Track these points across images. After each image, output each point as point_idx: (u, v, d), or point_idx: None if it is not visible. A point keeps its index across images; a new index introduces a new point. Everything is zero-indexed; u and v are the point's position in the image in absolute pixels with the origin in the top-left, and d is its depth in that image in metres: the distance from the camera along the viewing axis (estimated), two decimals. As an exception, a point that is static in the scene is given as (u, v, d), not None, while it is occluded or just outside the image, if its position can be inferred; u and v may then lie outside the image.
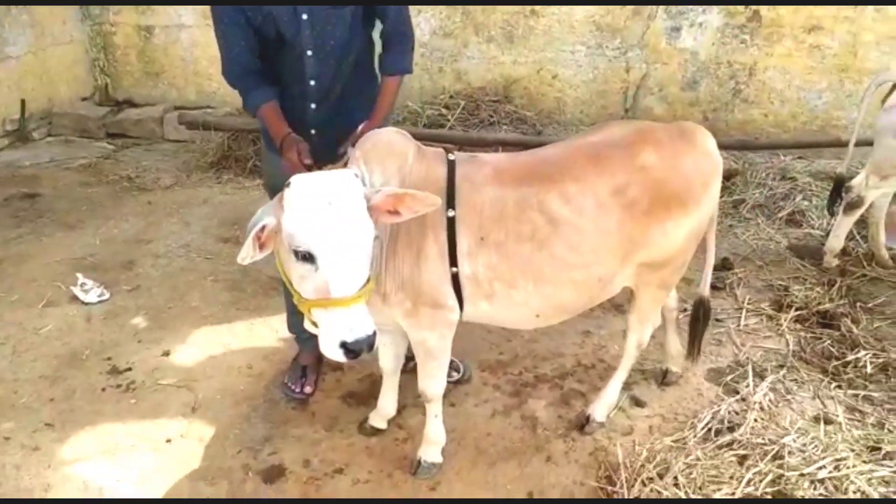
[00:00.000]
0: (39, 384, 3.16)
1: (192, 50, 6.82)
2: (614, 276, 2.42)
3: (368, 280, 1.96)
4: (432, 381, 2.53)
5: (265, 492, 2.58)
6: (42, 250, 4.36)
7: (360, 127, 2.46)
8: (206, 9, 6.58)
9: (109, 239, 4.50)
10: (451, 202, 2.22)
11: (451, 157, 2.31)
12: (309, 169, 2.23)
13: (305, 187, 1.91)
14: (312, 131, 2.63)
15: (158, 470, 2.68)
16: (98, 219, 4.78)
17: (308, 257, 1.88)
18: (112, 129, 6.55)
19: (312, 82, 2.55)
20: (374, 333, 1.91)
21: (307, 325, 2.06)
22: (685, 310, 3.31)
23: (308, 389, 3.03)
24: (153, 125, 6.48)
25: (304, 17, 2.41)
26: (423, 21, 5.97)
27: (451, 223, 2.22)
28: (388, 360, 2.74)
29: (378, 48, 2.69)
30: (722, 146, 5.24)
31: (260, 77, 2.52)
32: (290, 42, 2.46)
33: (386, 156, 2.22)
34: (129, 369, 3.25)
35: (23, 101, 6.25)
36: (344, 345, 1.88)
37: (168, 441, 2.83)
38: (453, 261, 2.25)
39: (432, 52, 6.10)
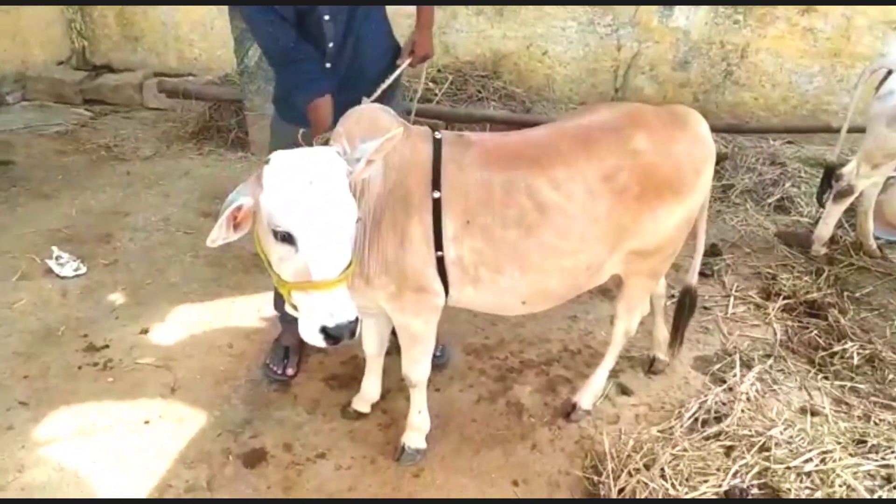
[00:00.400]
0: (13, 361, 3.06)
1: (172, 14, 6.59)
2: (603, 263, 2.37)
3: (350, 263, 1.89)
4: (416, 366, 2.48)
5: (246, 476, 2.53)
6: (16, 221, 4.23)
7: (411, 38, 2.62)
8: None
9: (86, 210, 4.37)
10: (436, 183, 2.15)
11: (438, 135, 2.23)
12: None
13: (286, 165, 1.82)
14: (328, 64, 2.55)
15: (136, 452, 2.62)
16: (74, 189, 4.64)
17: (288, 238, 1.80)
18: (89, 95, 6.35)
19: (331, 44, 2.48)
20: (357, 320, 1.84)
21: (288, 308, 2.00)
22: (673, 296, 3.28)
23: (290, 371, 2.97)
24: (132, 92, 6.29)
25: None
26: (411, -9, 5.81)
27: (436, 205, 2.15)
28: (372, 344, 2.69)
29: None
30: (712, 129, 5.23)
31: (317, 62, 2.46)
32: (308, 12, 2.40)
33: (369, 132, 2.12)
34: (107, 346, 3.16)
35: (-5, 63, 6.03)
36: (324, 330, 1.81)
37: (146, 422, 2.77)
38: (439, 245, 2.19)
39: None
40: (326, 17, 2.43)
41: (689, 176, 2.35)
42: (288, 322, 3.00)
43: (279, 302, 2.99)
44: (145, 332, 3.26)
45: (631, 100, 5.72)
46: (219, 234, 1.82)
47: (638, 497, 2.34)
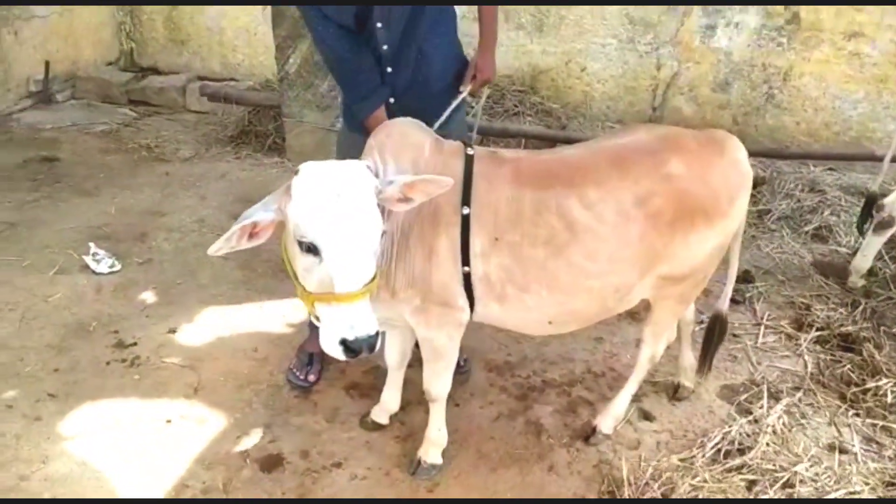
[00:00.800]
0: (45, 353, 3.14)
1: (218, 20, 6.74)
2: (632, 287, 2.33)
3: (375, 277, 1.90)
4: (437, 380, 2.48)
5: (262, 480, 2.56)
6: (57, 216, 4.35)
7: (474, 61, 2.66)
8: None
9: (125, 209, 4.47)
10: (466, 199, 2.15)
11: (470, 151, 2.23)
12: None
13: (315, 176, 1.85)
14: (391, 99, 2.60)
15: (156, 450, 2.66)
16: (115, 187, 4.76)
17: (313, 249, 1.82)
18: (135, 96, 6.50)
19: (385, 47, 2.52)
20: (377, 334, 1.85)
21: (312, 319, 2.02)
22: (702, 322, 3.22)
23: (312, 378, 2.99)
24: (176, 94, 6.42)
25: None
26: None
27: (465, 221, 2.15)
28: (395, 356, 2.69)
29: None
30: (751, 153, 5.13)
31: (371, 69, 2.53)
32: (362, 18, 2.45)
33: (400, 147, 2.15)
34: (135, 344, 3.23)
35: (47, 63, 6.22)
36: (344, 342, 1.82)
37: (168, 421, 2.81)
38: (466, 260, 2.19)
39: (460, 36, 5.96)
40: (379, 25, 2.46)
41: (724, 203, 2.31)
42: (315, 329, 3.02)
43: None
44: (173, 331, 3.32)
45: (668, 120, 5.66)
46: (224, 245, 1.84)
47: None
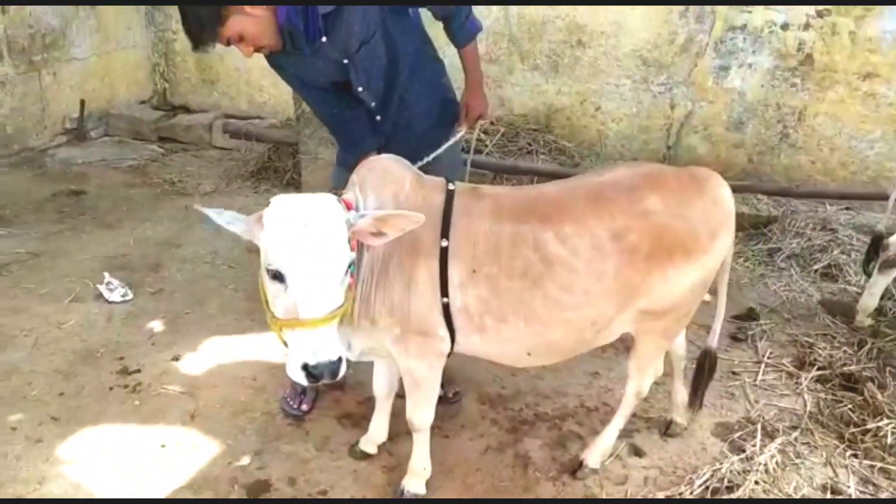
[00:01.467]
0: (52, 378, 3.25)
1: (246, 60, 6.93)
2: (610, 320, 2.35)
3: (343, 305, 1.96)
4: (419, 410, 2.50)
5: (247, 506, 2.60)
6: (79, 247, 4.52)
7: (463, 101, 2.76)
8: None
9: (142, 240, 4.63)
10: (445, 232, 2.21)
11: (451, 187, 2.30)
12: None
13: (284, 208, 1.94)
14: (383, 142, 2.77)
15: (148, 474, 2.72)
16: (135, 220, 4.93)
17: (279, 276, 1.90)
18: (164, 133, 6.76)
19: (373, 104, 2.70)
20: (340, 360, 1.91)
21: (280, 345, 2.08)
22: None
23: (304, 407, 3.04)
24: (202, 132, 6.66)
25: (346, 61, 2.54)
26: (469, 46, 5.98)
27: (444, 253, 2.21)
28: (381, 387, 2.73)
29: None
30: (764, 192, 5.12)
31: (358, 122, 2.73)
32: (342, 86, 2.64)
33: (381, 182, 2.23)
34: (138, 371, 3.32)
35: (82, 101, 6.52)
36: (305, 367, 1.88)
37: (163, 446, 2.87)
38: (445, 291, 2.23)
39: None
40: (360, 89, 2.63)
41: (705, 238, 2.32)
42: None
43: None
44: (176, 359, 3.41)
45: (683, 158, 5.68)
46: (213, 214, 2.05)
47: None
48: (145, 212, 5.08)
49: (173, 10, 7.03)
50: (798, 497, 2.57)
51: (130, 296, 3.92)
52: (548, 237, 2.21)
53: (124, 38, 7.02)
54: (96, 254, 4.42)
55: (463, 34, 2.74)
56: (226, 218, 2.02)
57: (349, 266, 1.98)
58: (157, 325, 3.70)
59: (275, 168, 5.72)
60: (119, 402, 3.12)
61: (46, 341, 3.52)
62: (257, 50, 2.45)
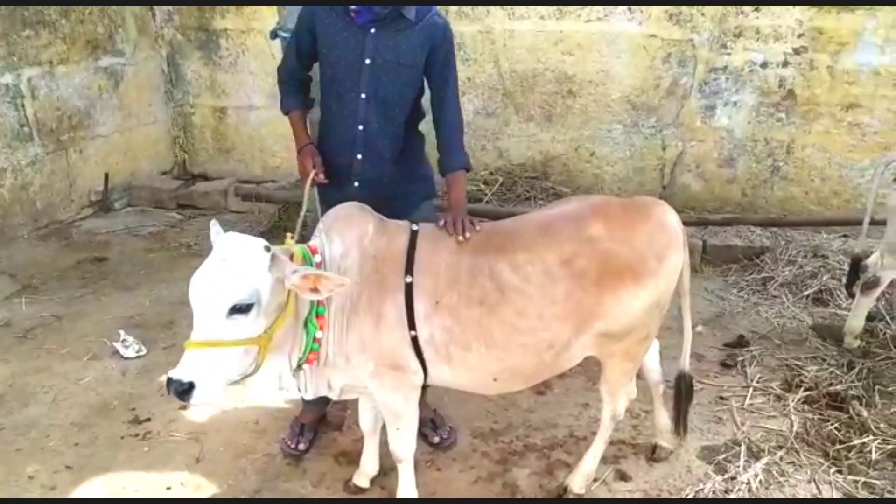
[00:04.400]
0: (69, 430, 3.44)
1: (259, 129, 7.38)
2: (568, 343, 2.47)
3: (238, 342, 2.11)
4: (400, 442, 2.63)
5: (245, 541, 2.72)
6: (99, 308, 4.77)
7: (441, 222, 2.57)
8: (274, 90, 7.21)
9: (158, 300, 4.87)
10: (409, 269, 2.38)
11: (415, 227, 2.48)
12: (320, 183, 2.71)
13: (221, 241, 2.18)
14: (356, 183, 2.82)
15: (153, 515, 2.87)
16: (152, 281, 5.19)
17: None
18: (183, 201, 7.08)
19: (360, 127, 2.74)
20: (190, 386, 2.06)
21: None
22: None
23: (302, 447, 3.17)
24: (218, 197, 6.98)
25: (367, 62, 2.65)
26: (466, 102, 6.25)
27: (409, 289, 2.37)
28: (367, 421, 2.87)
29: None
30: (757, 224, 5.20)
31: (299, 86, 2.92)
32: (349, 82, 2.70)
33: (345, 228, 2.43)
34: (149, 419, 3.49)
35: (106, 175, 6.90)
36: (168, 378, 2.11)
37: (168, 488, 3.03)
38: (413, 325, 2.39)
39: (475, 130, 6.37)
40: (363, 96, 2.71)
41: (652, 262, 2.46)
42: (308, 403, 3.24)
43: None
44: (184, 408, 3.57)
45: (679, 196, 5.82)
46: None
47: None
48: (162, 273, 5.34)
49: (191, 87, 7.51)
50: (778, 512, 2.61)
51: (144, 351, 4.13)
52: (502, 267, 2.38)
53: (145, 114, 7.45)
54: (115, 314, 4.65)
55: (463, 157, 2.84)
56: (216, 229, 2.29)
57: (251, 307, 2.08)
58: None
59: (284, 226, 5.95)
60: (129, 450, 3.29)
61: (64, 396, 3.73)
62: None
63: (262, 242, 2.21)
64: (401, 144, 2.87)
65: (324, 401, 2.84)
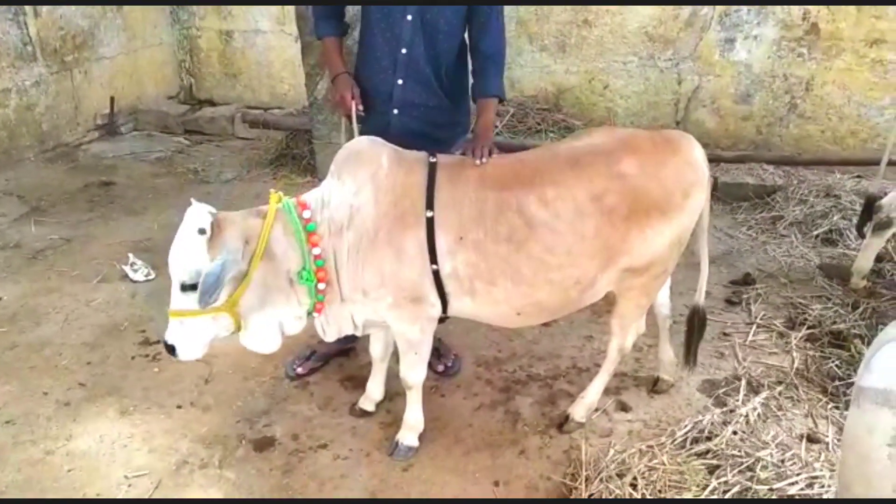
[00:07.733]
0: (81, 349, 3.51)
1: (266, 54, 7.24)
2: (594, 279, 2.47)
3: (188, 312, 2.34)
4: (412, 370, 2.67)
5: (253, 459, 2.80)
6: (107, 232, 4.79)
7: (466, 140, 2.58)
8: (280, 15, 7.04)
9: (166, 225, 4.87)
10: (430, 203, 2.34)
11: (433, 160, 2.44)
12: (357, 115, 2.65)
13: (186, 215, 2.39)
14: (395, 111, 2.76)
15: (164, 432, 2.95)
16: (160, 207, 5.20)
17: None
18: (189, 126, 7.03)
19: (404, 50, 2.65)
20: (173, 347, 2.40)
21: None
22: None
23: (300, 370, 3.24)
24: (225, 123, 6.91)
25: None
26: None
27: (430, 223, 2.34)
28: (377, 349, 2.90)
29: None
30: (770, 162, 5.14)
31: (335, 9, 2.81)
32: (396, 2, 2.60)
33: (356, 165, 2.39)
34: (158, 342, 3.54)
35: (112, 98, 6.82)
36: None
37: (178, 407, 3.10)
38: (434, 259, 2.38)
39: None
40: (409, 17, 2.61)
41: (678, 198, 2.44)
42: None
43: None
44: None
45: (693, 133, 5.68)
46: None
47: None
48: (169, 199, 5.34)
49: (197, 8, 7.33)
50: (775, 443, 2.66)
51: (153, 275, 4.17)
52: (530, 201, 2.34)
53: (150, 36, 7.31)
54: (123, 238, 4.68)
55: (499, 84, 2.71)
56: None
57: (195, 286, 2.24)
58: (177, 301, 3.92)
59: (292, 155, 5.93)
60: (140, 370, 3.36)
61: (76, 317, 3.78)
62: None
63: (208, 220, 2.29)
64: (443, 72, 2.76)
65: (344, 338, 2.86)
